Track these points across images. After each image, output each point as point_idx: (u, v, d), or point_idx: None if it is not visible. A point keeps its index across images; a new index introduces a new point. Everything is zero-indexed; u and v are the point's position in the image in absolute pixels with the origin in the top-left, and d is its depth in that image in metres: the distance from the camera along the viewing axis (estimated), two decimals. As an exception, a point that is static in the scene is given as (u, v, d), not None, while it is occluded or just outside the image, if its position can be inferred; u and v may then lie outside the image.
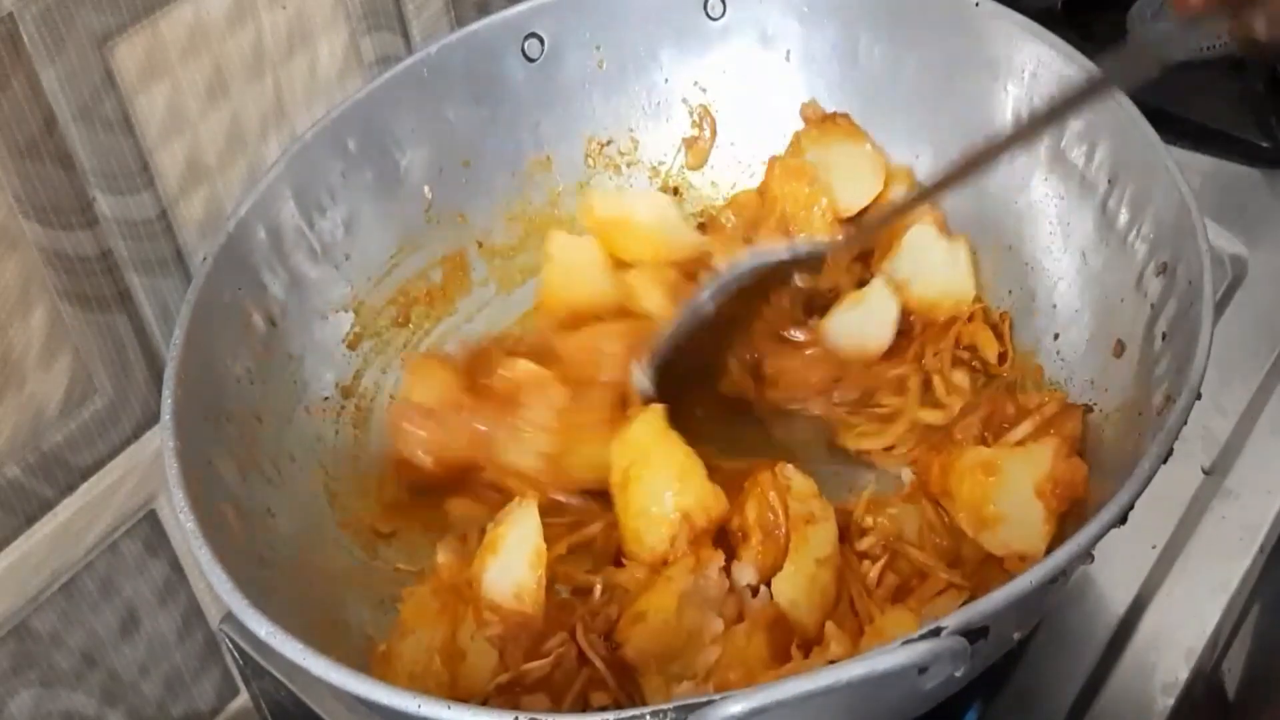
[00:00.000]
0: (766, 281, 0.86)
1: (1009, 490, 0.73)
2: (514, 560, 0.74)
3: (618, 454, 0.79)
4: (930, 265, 0.88)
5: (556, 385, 0.83)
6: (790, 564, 0.73)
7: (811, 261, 0.87)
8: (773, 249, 0.87)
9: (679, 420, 0.79)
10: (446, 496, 0.84)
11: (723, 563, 0.74)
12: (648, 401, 0.81)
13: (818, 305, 0.88)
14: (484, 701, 0.71)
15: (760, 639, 0.70)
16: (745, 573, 0.75)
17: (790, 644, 0.71)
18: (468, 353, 0.89)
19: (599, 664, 0.72)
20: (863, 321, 0.87)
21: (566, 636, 0.73)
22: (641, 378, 0.83)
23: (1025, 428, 0.77)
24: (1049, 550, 0.70)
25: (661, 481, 0.77)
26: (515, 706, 0.71)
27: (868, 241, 0.89)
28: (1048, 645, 0.78)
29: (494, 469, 0.83)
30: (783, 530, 0.75)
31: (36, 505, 0.81)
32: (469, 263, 0.95)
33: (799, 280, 0.87)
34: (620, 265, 0.92)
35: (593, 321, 0.89)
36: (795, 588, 0.73)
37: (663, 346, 0.83)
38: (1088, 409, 0.78)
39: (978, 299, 0.89)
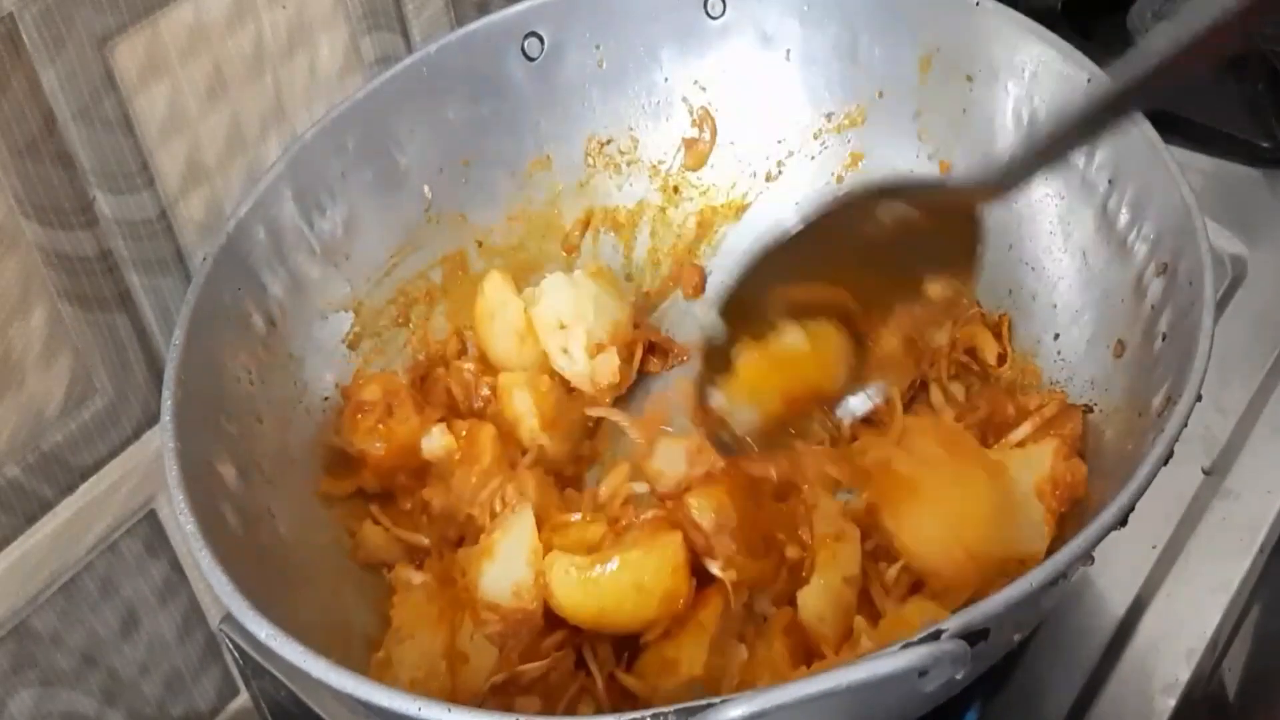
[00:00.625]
0: (863, 227, 0.72)
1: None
2: (512, 562, 0.74)
3: None
4: None
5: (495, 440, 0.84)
6: (819, 578, 0.73)
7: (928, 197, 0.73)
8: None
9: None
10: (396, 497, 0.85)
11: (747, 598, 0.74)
12: (709, 343, 0.75)
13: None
14: (480, 703, 0.71)
15: (782, 649, 0.70)
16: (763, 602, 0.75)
17: (809, 659, 0.71)
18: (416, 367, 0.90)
19: (597, 675, 0.72)
20: None
21: (565, 635, 0.73)
22: (711, 318, 0.75)
23: (1025, 429, 0.77)
24: (1049, 552, 0.70)
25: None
26: (509, 708, 0.71)
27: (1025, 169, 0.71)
28: (1048, 646, 0.78)
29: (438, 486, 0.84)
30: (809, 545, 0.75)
31: (36, 505, 0.81)
32: (469, 262, 0.95)
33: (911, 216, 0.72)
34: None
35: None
36: (822, 602, 0.72)
37: (735, 282, 0.74)
38: (1088, 409, 0.78)
39: (975, 302, 0.89)
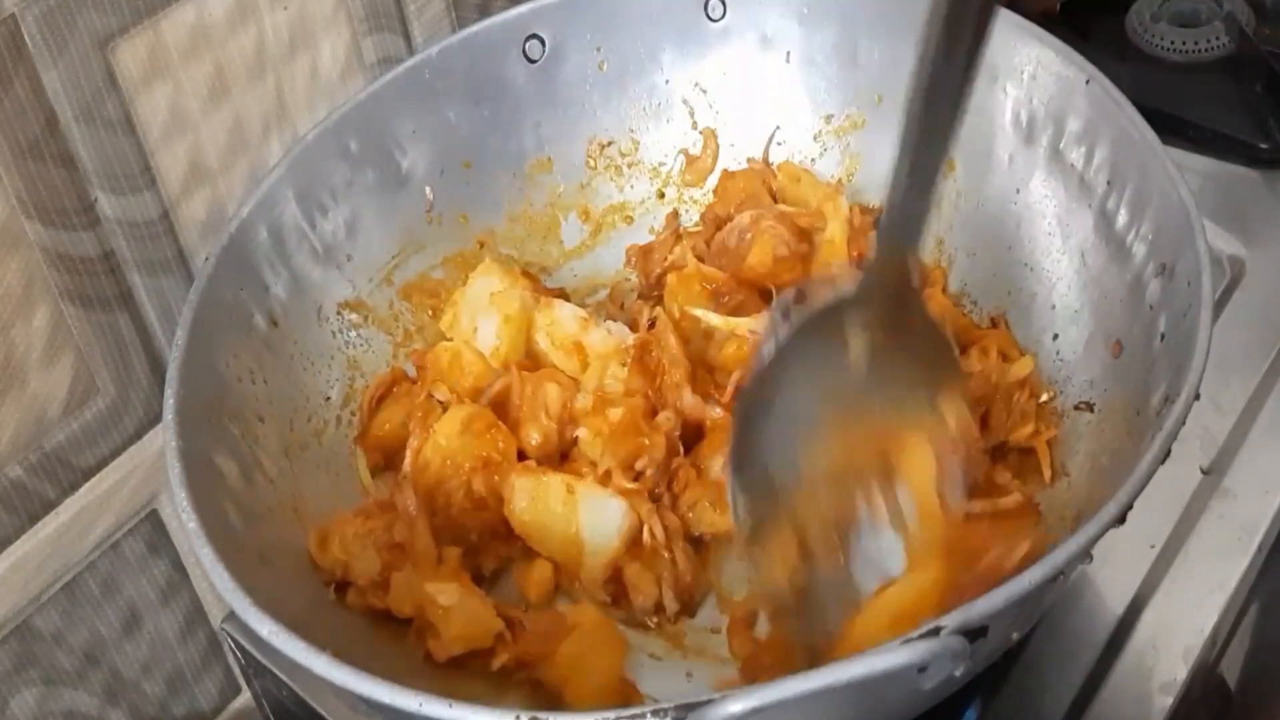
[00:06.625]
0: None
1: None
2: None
3: None
4: None
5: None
6: None
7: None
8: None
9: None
10: None
11: None
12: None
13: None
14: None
15: None
16: None
17: None
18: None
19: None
20: None
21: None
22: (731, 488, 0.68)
23: (981, 504, 0.72)
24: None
25: None
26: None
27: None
28: (1047, 645, 0.78)
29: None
30: None
31: (39, 505, 0.81)
32: (471, 264, 0.95)
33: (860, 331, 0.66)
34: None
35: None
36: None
37: (734, 442, 0.68)
38: (1087, 408, 0.78)
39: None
